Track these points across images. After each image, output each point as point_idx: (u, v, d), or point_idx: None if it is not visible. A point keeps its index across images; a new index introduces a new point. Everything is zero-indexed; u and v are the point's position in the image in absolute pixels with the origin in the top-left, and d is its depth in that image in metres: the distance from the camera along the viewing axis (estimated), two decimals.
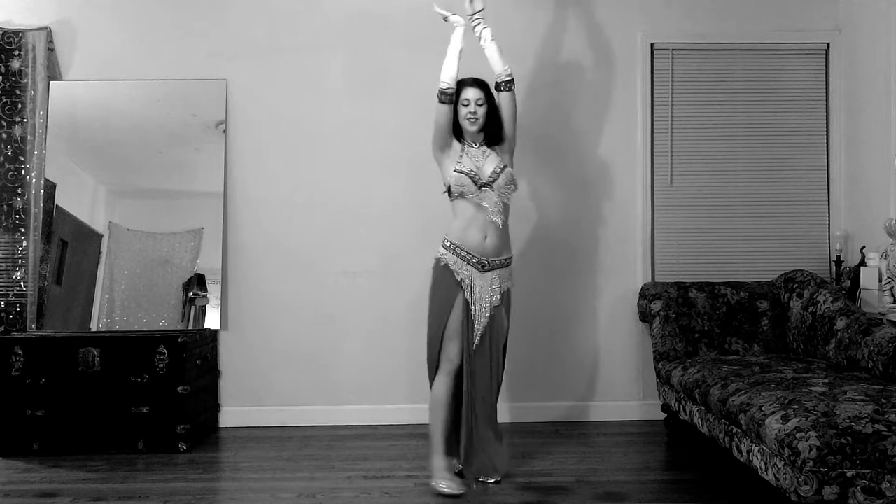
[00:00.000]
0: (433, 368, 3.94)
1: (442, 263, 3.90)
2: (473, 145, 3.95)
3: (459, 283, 3.87)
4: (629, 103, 5.13)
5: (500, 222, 3.88)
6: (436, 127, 3.93)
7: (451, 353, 3.88)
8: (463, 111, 3.91)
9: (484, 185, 3.86)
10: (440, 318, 3.89)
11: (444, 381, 3.89)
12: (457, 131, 3.97)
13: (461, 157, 3.92)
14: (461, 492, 3.75)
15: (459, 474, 3.92)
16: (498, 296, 3.93)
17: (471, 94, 3.91)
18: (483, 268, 3.89)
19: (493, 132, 3.97)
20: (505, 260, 3.97)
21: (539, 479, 3.95)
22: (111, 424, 4.50)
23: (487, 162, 3.92)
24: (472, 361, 3.88)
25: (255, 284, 5.06)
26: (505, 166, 3.92)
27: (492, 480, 3.92)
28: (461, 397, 3.89)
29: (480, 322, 3.88)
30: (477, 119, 3.90)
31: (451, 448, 3.93)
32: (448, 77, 3.89)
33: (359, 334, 5.06)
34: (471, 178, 3.85)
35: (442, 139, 3.94)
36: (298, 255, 5.07)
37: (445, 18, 4.01)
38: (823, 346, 4.28)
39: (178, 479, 4.06)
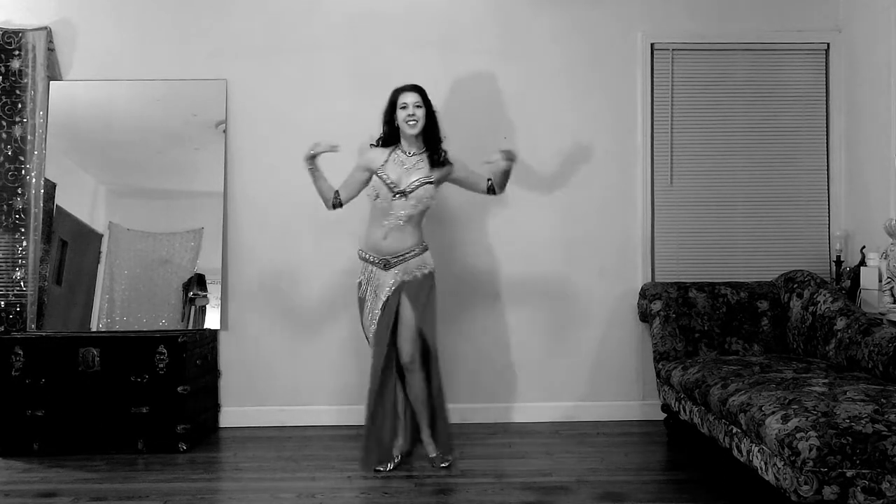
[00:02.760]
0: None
1: (357, 281, 4.21)
2: (406, 153, 4.11)
3: (366, 287, 4.13)
4: (629, 103, 5.13)
5: (402, 227, 4.06)
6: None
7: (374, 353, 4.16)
8: (402, 114, 4.07)
9: (400, 193, 4.03)
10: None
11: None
12: (393, 138, 4.16)
13: (385, 162, 4.09)
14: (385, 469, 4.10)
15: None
16: (394, 287, 4.07)
17: (409, 98, 4.08)
18: (385, 266, 4.09)
19: (430, 138, 4.12)
20: (407, 254, 4.09)
21: (539, 479, 3.95)
22: (111, 424, 4.50)
23: (414, 172, 4.07)
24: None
25: (255, 284, 5.06)
26: (430, 183, 4.07)
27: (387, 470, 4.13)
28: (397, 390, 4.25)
29: (375, 313, 4.08)
30: (417, 121, 4.06)
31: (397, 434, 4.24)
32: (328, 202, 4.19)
33: (359, 334, 5.05)
34: (388, 186, 4.04)
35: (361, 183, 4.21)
36: (298, 254, 5.07)
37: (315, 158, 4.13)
38: (823, 346, 4.28)
39: (178, 479, 4.06)
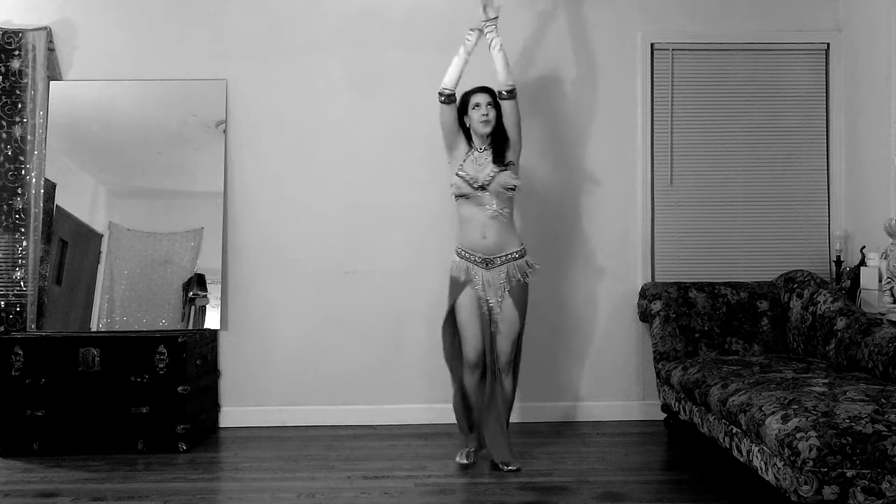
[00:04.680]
0: (452, 370, 4.26)
1: (452, 273, 4.16)
2: (479, 149, 4.19)
3: (465, 284, 4.10)
4: (629, 103, 5.13)
5: (497, 221, 4.11)
6: (441, 127, 4.23)
7: (467, 353, 4.16)
8: (475, 115, 4.15)
9: (480, 187, 4.09)
10: (450, 322, 4.18)
11: (466, 375, 4.20)
12: (468, 137, 4.23)
13: (464, 161, 4.17)
14: (465, 462, 4.13)
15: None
16: (507, 289, 4.12)
17: (480, 98, 4.17)
18: (488, 265, 4.10)
19: (498, 137, 4.20)
20: (512, 254, 4.14)
21: (539, 479, 3.95)
22: (111, 424, 4.50)
23: (486, 167, 4.13)
24: (490, 355, 4.16)
25: (255, 284, 5.06)
26: (501, 171, 4.11)
27: (508, 468, 4.08)
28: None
29: (497, 314, 4.12)
30: (489, 121, 4.15)
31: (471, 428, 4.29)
32: (449, 81, 4.18)
33: (359, 334, 5.06)
34: (467, 182, 4.09)
35: (446, 139, 4.22)
36: (298, 254, 5.07)
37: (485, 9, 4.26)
38: (823, 346, 4.28)
39: (178, 479, 4.06)
